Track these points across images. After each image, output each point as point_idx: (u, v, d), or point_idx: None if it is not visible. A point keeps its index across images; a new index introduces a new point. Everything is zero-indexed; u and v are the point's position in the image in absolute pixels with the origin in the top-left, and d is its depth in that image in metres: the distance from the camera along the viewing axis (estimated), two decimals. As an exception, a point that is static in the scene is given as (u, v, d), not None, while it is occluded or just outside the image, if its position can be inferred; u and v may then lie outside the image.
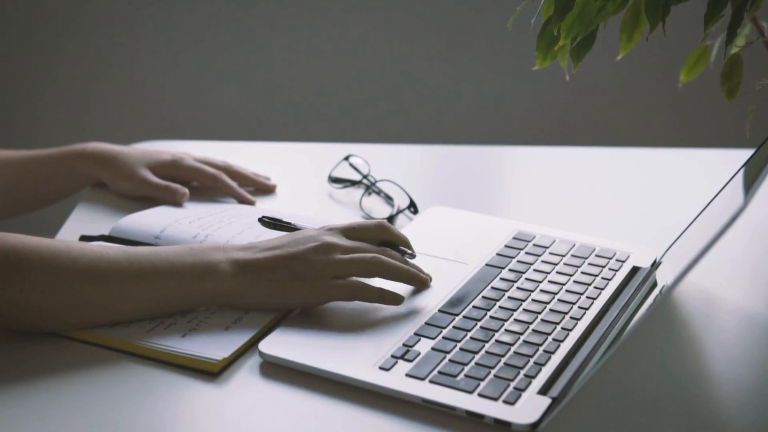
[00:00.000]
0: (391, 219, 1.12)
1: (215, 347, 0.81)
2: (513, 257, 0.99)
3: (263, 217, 0.96)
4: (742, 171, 0.90)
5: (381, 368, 0.79)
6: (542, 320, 0.87)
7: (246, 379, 0.80)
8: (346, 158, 1.25)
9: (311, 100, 2.20)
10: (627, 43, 0.95)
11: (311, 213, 1.14)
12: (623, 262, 0.99)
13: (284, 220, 0.96)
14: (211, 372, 0.80)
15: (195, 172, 1.17)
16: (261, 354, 0.81)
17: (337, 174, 1.23)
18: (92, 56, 2.17)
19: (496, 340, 0.83)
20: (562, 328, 0.85)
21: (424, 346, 0.82)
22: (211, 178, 1.17)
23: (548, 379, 0.78)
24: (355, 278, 0.88)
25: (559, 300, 0.91)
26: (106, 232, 1.03)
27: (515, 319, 0.87)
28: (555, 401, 0.75)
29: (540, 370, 0.79)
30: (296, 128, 2.21)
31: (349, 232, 0.91)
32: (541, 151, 1.50)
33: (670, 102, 2.20)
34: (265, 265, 0.86)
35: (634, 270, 0.98)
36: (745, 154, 1.15)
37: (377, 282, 0.89)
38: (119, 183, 1.15)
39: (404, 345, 0.82)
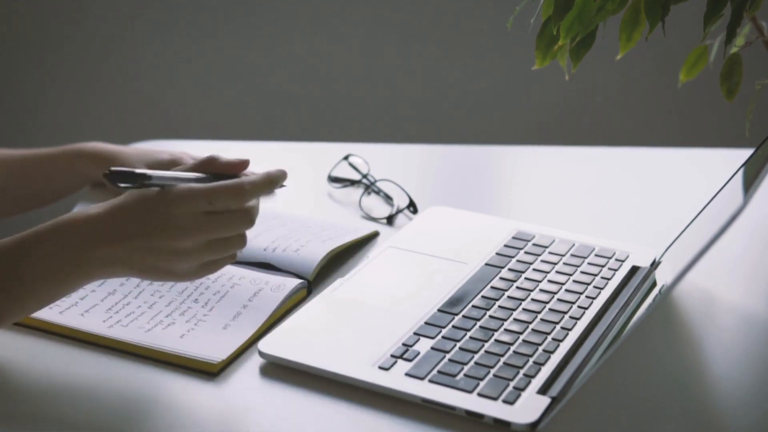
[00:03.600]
0: (390, 219, 1.12)
1: (214, 347, 0.81)
2: (512, 257, 0.99)
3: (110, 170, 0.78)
4: (741, 171, 0.90)
5: (380, 368, 0.79)
6: (542, 320, 0.87)
7: (246, 379, 0.80)
8: (346, 158, 1.25)
9: (311, 99, 2.20)
10: (627, 43, 0.95)
11: (310, 212, 1.14)
12: (623, 261, 0.99)
13: (136, 171, 0.78)
14: (211, 372, 0.80)
15: (194, 171, 1.16)
16: (261, 354, 0.81)
17: (336, 173, 1.23)
18: (92, 55, 2.17)
19: (496, 340, 0.83)
20: (562, 328, 0.85)
21: (423, 346, 0.82)
22: (210, 178, 1.16)
23: (548, 379, 0.78)
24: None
25: (558, 299, 0.91)
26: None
27: (515, 319, 0.87)
28: (554, 401, 0.75)
29: (539, 369, 0.79)
30: (296, 128, 2.21)
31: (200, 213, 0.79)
32: (541, 151, 1.49)
33: (669, 102, 2.20)
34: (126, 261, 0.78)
35: (634, 270, 0.98)
36: (745, 153, 1.15)
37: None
38: (118, 183, 1.15)
39: (404, 344, 0.82)
